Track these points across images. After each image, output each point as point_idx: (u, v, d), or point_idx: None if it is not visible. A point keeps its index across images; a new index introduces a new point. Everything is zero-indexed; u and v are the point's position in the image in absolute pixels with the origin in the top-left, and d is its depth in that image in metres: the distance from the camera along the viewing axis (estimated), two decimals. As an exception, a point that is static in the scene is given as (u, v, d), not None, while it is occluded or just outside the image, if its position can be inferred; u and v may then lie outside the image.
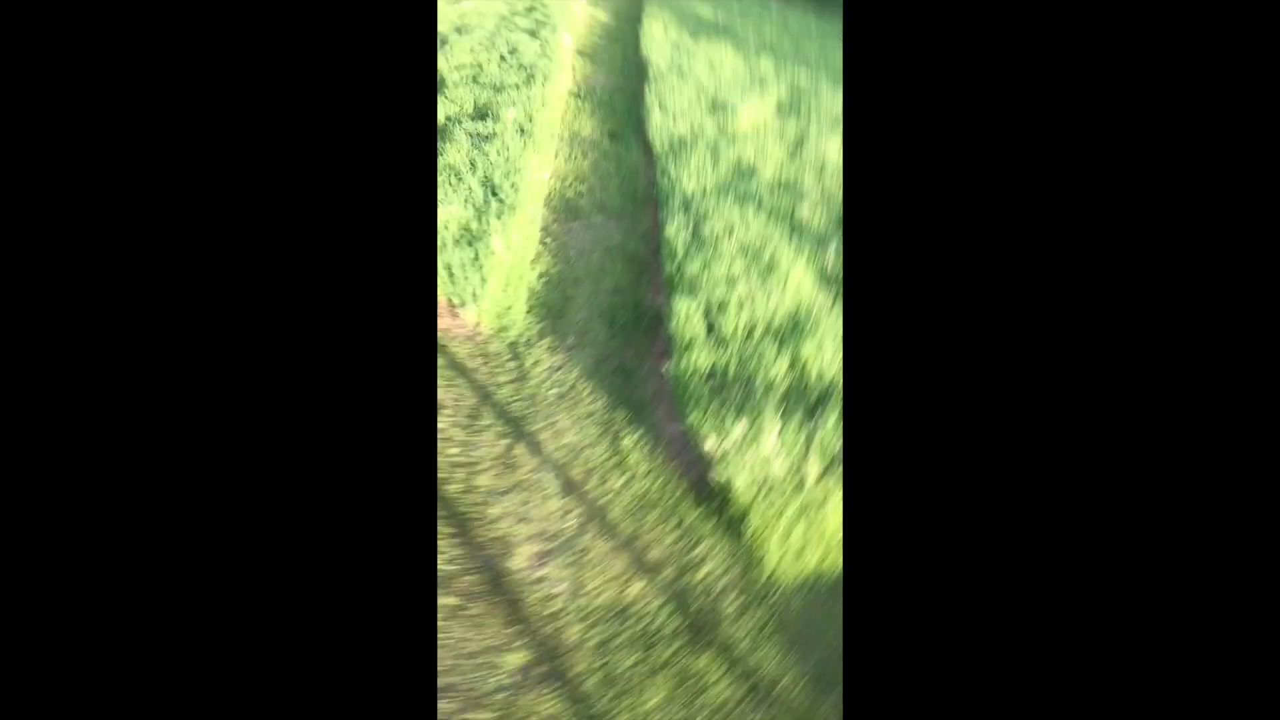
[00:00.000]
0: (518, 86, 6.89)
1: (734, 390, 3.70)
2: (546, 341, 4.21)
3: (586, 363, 4.09)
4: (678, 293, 4.44)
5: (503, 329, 4.24)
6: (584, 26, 10.65)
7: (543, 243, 5.16)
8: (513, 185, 5.19)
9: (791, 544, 3.08)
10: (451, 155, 5.49)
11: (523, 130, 6.05)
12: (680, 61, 8.47)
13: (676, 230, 5.02)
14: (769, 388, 3.73)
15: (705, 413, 3.57)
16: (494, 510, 3.15)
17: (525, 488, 3.28)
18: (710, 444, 3.40)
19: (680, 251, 4.79)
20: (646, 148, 6.68)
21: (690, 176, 5.73)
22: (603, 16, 11.40)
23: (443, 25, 8.69)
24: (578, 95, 7.83)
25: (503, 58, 7.74)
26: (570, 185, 6.00)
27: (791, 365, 3.87)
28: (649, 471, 3.45)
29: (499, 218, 4.80)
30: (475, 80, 7.01)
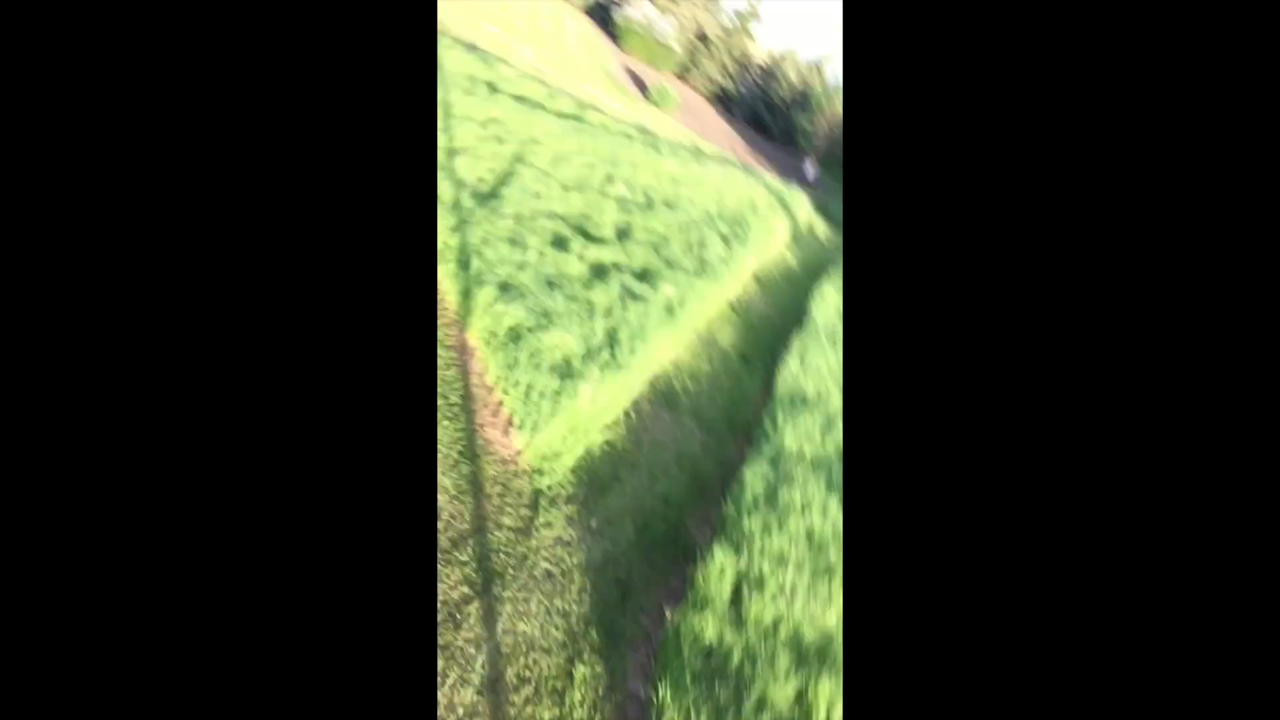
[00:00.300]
0: (688, 272, 7.12)
1: (725, 689, 3.05)
2: (572, 509, 3.80)
3: (594, 557, 3.60)
4: (722, 540, 3.96)
5: (539, 471, 3.89)
6: (771, 259, 11.26)
7: (626, 414, 4.92)
8: (632, 349, 5.10)
9: None
10: (597, 294, 5.55)
11: (670, 309, 6.11)
12: (837, 329, 8.58)
13: (755, 478, 4.64)
14: (763, 708, 3.06)
15: (681, 696, 2.94)
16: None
17: (451, 655, 2.73)
18: (666, 738, 2.74)
19: (749, 500, 4.37)
20: (768, 387, 6.54)
21: (795, 436, 5.44)
22: (790, 259, 12.06)
23: (657, 193, 9.42)
24: (734, 308, 8.01)
25: (689, 246, 8.15)
26: (682, 378, 5.86)
27: (798, 699, 3.20)
28: (585, 722, 2.81)
29: (602, 369, 4.65)
30: (655, 248, 7.34)
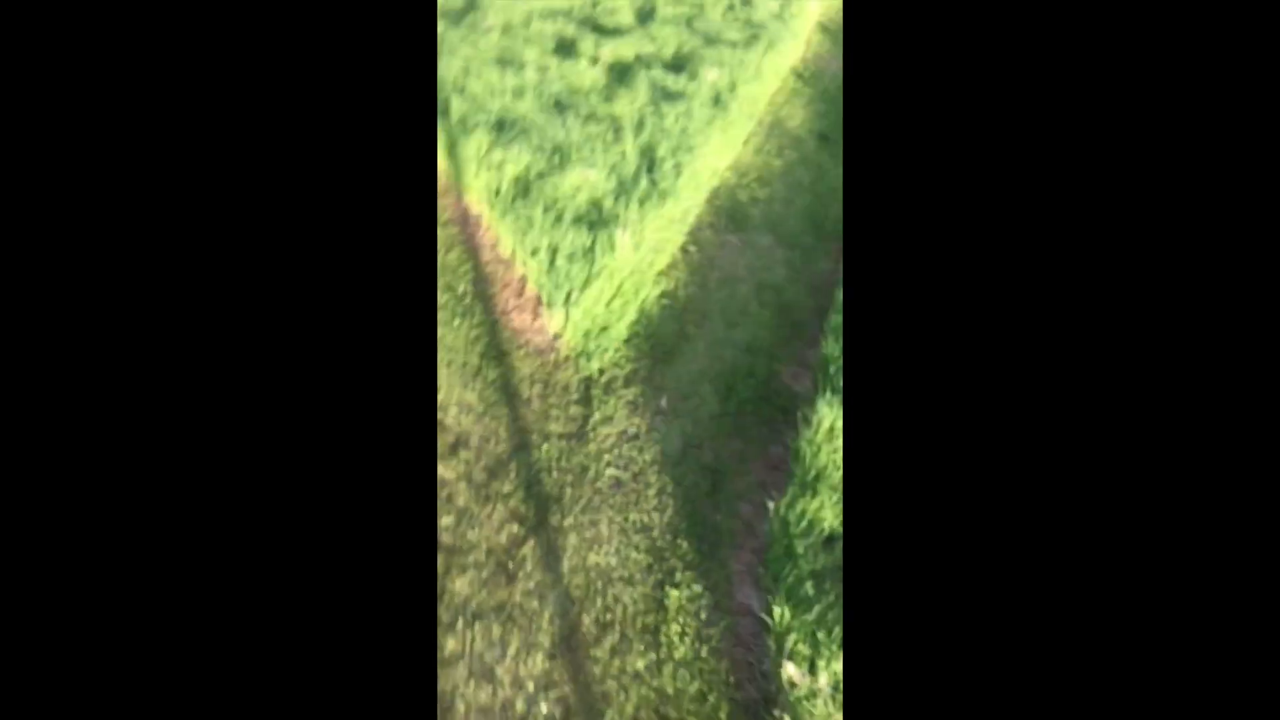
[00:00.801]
0: (735, 45, 5.62)
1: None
2: (634, 391, 3.10)
3: (672, 445, 2.95)
4: (828, 388, 3.18)
5: (585, 354, 3.17)
6: (838, -2, 9.06)
7: (684, 250, 4.00)
8: (676, 166, 4.03)
9: None
10: (622, 104, 4.38)
11: (718, 99, 4.83)
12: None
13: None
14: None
15: (802, 606, 2.36)
16: (449, 644, 2.14)
17: (509, 616, 2.25)
18: (792, 672, 2.20)
19: (853, 328, 3.49)
20: (859, 168, 5.28)
21: (901, 227, 4.32)
22: (864, -7, 9.72)
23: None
24: (801, 76, 6.44)
25: (731, 6, 6.45)
26: (748, 185, 4.74)
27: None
28: (689, 658, 2.31)
29: (642, 203, 3.68)
30: (689, 23, 5.81)
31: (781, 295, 3.95)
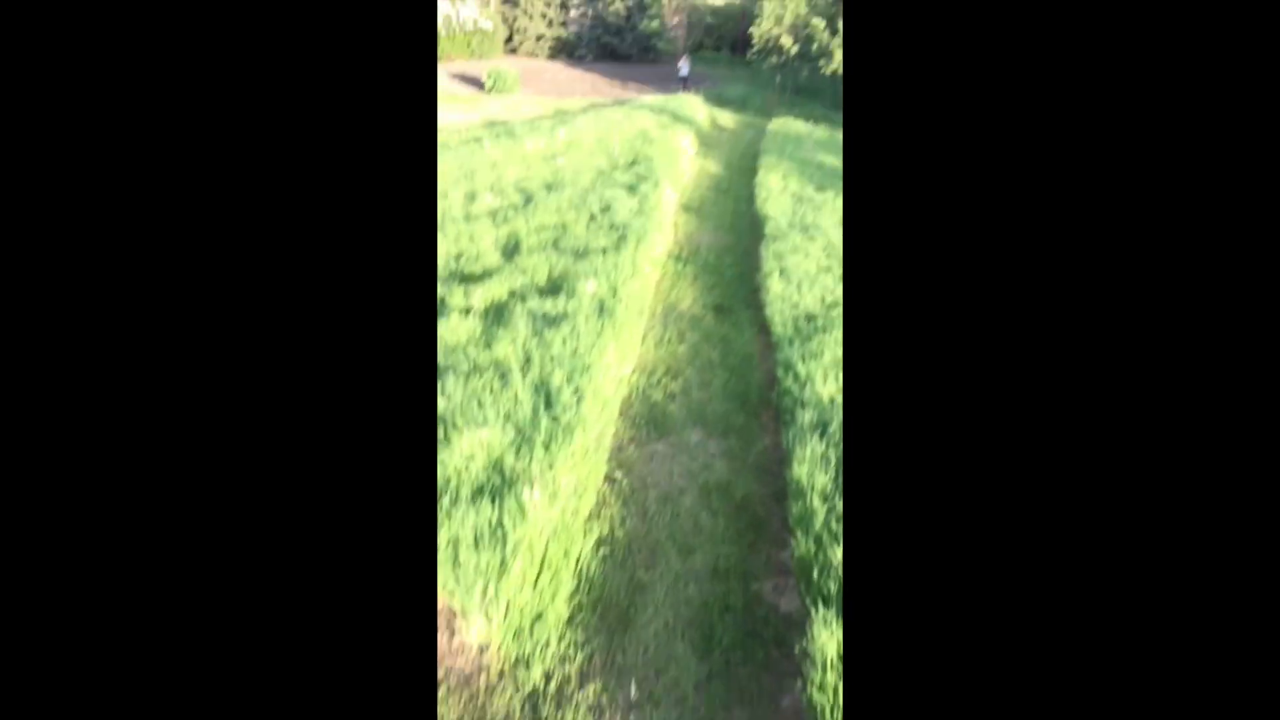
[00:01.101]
0: (605, 251, 5.67)
1: None
2: (594, 690, 2.46)
3: (656, 745, 2.27)
4: (818, 600, 2.62)
5: (523, 661, 2.54)
6: (690, 179, 9.75)
7: (610, 480, 3.55)
8: (576, 392, 3.71)
9: None
10: (503, 346, 4.13)
11: (603, 308, 4.70)
12: (804, 216, 7.11)
13: (811, 467, 3.27)
14: None
15: None
16: None
17: None
18: None
19: (820, 509, 3.01)
20: (763, 328, 5.13)
21: (826, 375, 4.05)
22: (712, 168, 10.55)
23: (532, 183, 7.91)
24: (678, 258, 6.56)
25: (593, 217, 6.68)
26: (659, 382, 4.46)
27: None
28: None
29: (548, 447, 3.27)
30: (555, 245, 5.89)
31: (731, 495, 3.49)
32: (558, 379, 3.83)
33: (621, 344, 4.48)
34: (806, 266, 5.71)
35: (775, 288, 5.30)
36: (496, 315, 4.63)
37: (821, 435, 3.53)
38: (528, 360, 4.04)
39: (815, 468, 3.28)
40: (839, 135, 14.09)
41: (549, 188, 7.75)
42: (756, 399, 4.31)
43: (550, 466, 3.18)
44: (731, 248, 6.94)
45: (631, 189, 7.74)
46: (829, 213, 7.27)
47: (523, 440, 3.35)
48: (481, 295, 4.89)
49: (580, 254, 5.65)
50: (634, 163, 9.22)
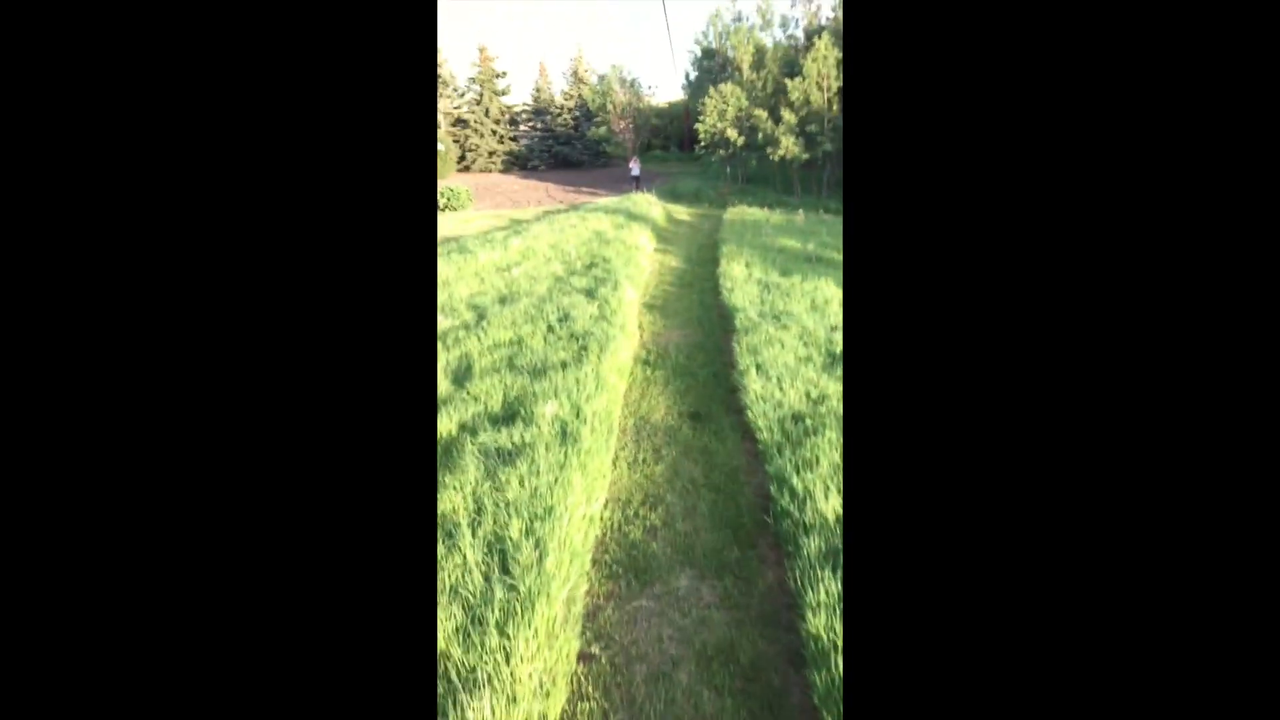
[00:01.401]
0: (565, 366, 5.17)
1: None
2: None
3: None
4: None
5: None
6: (651, 275, 9.48)
7: (585, 659, 2.86)
8: (537, 546, 3.08)
9: None
10: (448, 497, 3.51)
11: (565, 432, 4.13)
12: (774, 303, 6.75)
13: (828, 617, 2.65)
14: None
15: None
16: None
17: None
18: None
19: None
20: (746, 433, 4.59)
21: (826, 487, 3.48)
22: (673, 262, 10.34)
23: (486, 297, 7.50)
24: (647, 363, 6.08)
25: (550, 328, 6.23)
26: (636, 514, 3.85)
27: None
28: None
29: (501, 630, 2.61)
30: (510, 363, 5.38)
31: (737, 659, 2.82)
32: (515, 530, 3.20)
33: (589, 474, 3.89)
34: (784, 359, 5.26)
35: (754, 386, 4.81)
36: (443, 457, 4.03)
37: (834, 569, 2.92)
38: (478, 511, 3.41)
39: (833, 617, 2.66)
40: (796, 218, 14.21)
41: (503, 300, 7.35)
42: (750, 523, 3.70)
43: (506, 659, 2.51)
44: (702, 344, 6.50)
45: (590, 293, 7.37)
46: (798, 298, 6.93)
47: (474, 621, 2.69)
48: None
49: (538, 372, 5.14)
50: (591, 265, 8.93)
